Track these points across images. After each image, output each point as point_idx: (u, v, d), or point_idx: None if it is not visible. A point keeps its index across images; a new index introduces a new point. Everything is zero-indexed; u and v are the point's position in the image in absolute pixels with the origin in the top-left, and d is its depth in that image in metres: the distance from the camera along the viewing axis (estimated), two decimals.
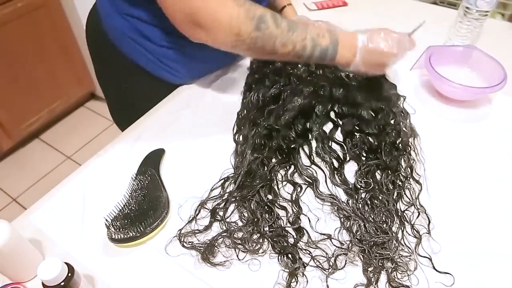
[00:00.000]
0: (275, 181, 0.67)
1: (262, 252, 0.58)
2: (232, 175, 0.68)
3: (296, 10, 0.98)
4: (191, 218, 0.63)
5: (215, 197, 0.65)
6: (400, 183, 0.66)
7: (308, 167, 0.70)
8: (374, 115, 0.77)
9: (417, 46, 0.90)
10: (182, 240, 0.60)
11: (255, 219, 0.61)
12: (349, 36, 0.70)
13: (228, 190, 0.66)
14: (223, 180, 0.68)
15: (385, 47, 0.70)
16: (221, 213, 0.63)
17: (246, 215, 0.62)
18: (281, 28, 0.63)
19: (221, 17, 0.60)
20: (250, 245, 0.59)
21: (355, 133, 0.74)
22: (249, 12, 0.61)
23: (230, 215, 0.63)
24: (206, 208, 0.64)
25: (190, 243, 0.60)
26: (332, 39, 0.68)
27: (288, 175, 0.69)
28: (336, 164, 0.70)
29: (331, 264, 0.56)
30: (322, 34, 0.67)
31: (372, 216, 0.61)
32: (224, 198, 0.65)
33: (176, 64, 0.83)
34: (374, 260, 0.56)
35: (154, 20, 0.75)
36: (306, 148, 0.73)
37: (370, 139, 0.73)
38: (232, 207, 0.64)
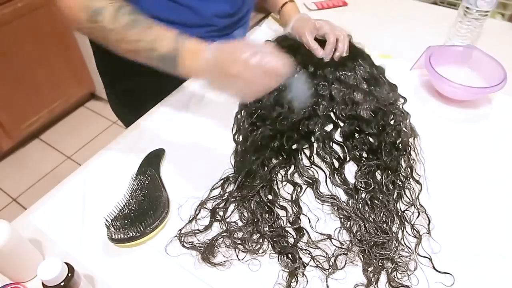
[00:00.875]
0: (275, 181, 0.67)
1: (262, 252, 0.58)
2: (232, 175, 0.68)
3: (298, 7, 0.98)
4: (191, 218, 0.63)
5: (215, 197, 0.65)
6: (400, 183, 0.66)
7: (308, 168, 0.70)
8: (373, 115, 0.77)
9: (417, 46, 0.90)
10: (182, 240, 0.60)
11: (255, 219, 0.61)
12: (197, 46, 0.59)
13: (228, 190, 0.66)
14: (223, 180, 0.68)
15: (233, 54, 0.55)
16: (221, 213, 0.63)
17: (246, 215, 0.62)
18: (117, 24, 0.61)
19: (60, 5, 0.65)
20: (250, 245, 0.59)
21: (355, 134, 0.74)
22: (86, 2, 0.62)
23: (230, 215, 0.63)
24: (206, 208, 0.64)
25: (190, 243, 0.60)
26: (175, 47, 0.59)
27: (288, 175, 0.69)
28: (336, 164, 0.70)
29: (331, 264, 0.56)
30: (164, 39, 0.60)
31: (372, 216, 0.61)
32: (224, 198, 0.65)
33: None
34: (374, 260, 0.56)
35: (153, 11, 0.72)
36: (306, 148, 0.73)
37: (370, 139, 0.73)
38: (232, 207, 0.64)
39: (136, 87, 0.89)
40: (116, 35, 0.62)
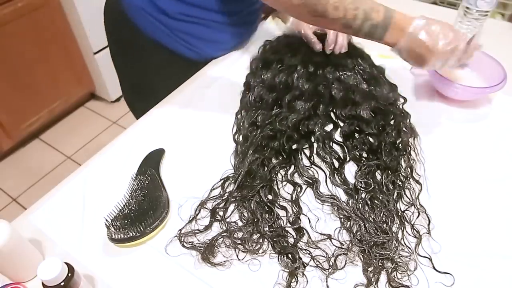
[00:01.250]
0: (275, 181, 0.67)
1: (262, 252, 0.58)
2: (232, 175, 0.68)
3: None
4: (191, 218, 0.63)
5: (215, 197, 0.65)
6: (400, 183, 0.66)
7: (308, 168, 0.70)
8: (373, 115, 0.77)
9: None
10: (182, 240, 0.60)
11: (255, 219, 0.61)
12: (404, 19, 0.66)
13: (228, 190, 0.66)
14: (223, 180, 0.68)
15: (429, 42, 0.64)
16: (221, 213, 0.63)
17: (246, 215, 0.62)
18: None
19: None
20: (250, 245, 0.59)
21: (355, 134, 0.74)
22: None
23: (230, 215, 0.63)
24: (206, 208, 0.64)
25: (190, 243, 0.60)
26: (386, 16, 0.65)
27: (288, 175, 0.69)
28: (336, 164, 0.70)
29: (331, 264, 0.56)
30: (377, 9, 0.64)
31: (372, 216, 0.61)
32: (224, 198, 0.65)
33: (191, 38, 0.85)
34: (374, 260, 0.56)
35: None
36: (306, 148, 0.73)
37: (370, 139, 0.73)
38: (232, 207, 0.64)
39: (151, 69, 0.91)
40: (335, 1, 0.63)
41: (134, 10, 0.82)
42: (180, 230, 0.61)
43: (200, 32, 0.85)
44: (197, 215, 0.63)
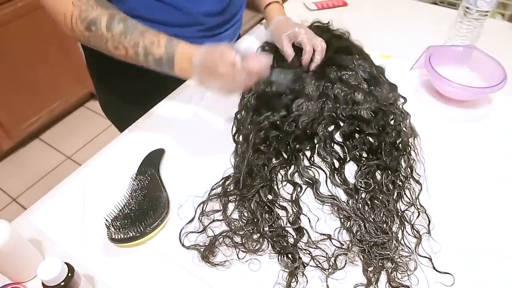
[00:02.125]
0: (275, 181, 0.67)
1: (261, 251, 0.58)
2: (233, 174, 0.68)
3: (283, 7, 0.97)
4: (191, 218, 0.63)
5: (215, 196, 0.65)
6: (400, 183, 0.66)
7: (309, 168, 0.70)
8: (373, 115, 0.76)
9: (417, 46, 0.90)
10: (182, 240, 0.60)
11: (255, 219, 0.61)
12: (188, 49, 0.65)
13: (228, 190, 0.66)
14: (223, 179, 0.67)
15: (218, 55, 0.61)
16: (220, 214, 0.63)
17: (246, 215, 0.62)
18: (113, 32, 0.65)
19: (56, 14, 0.66)
20: (250, 244, 0.59)
21: (355, 134, 0.74)
22: (82, 13, 0.65)
23: (230, 215, 0.63)
24: (205, 215, 0.64)
25: (190, 243, 0.60)
26: (169, 50, 0.65)
27: (288, 175, 0.69)
28: (336, 164, 0.70)
29: (331, 264, 0.56)
30: (158, 44, 0.65)
31: (372, 216, 0.61)
32: (224, 198, 0.65)
33: None
34: (374, 260, 0.56)
35: (141, 12, 0.74)
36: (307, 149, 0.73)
37: (370, 139, 0.73)
38: (232, 206, 0.64)
39: (130, 91, 0.89)
40: (113, 43, 0.66)
41: None
42: (181, 230, 0.61)
43: None
44: (197, 214, 0.63)
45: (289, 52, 0.86)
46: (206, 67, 0.62)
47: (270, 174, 0.67)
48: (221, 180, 0.68)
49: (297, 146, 0.72)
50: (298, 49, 0.86)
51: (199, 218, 0.63)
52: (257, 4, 1.00)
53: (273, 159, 0.70)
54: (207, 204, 0.65)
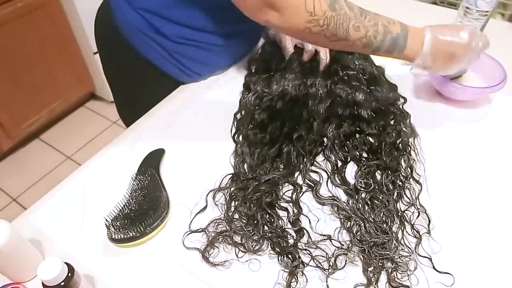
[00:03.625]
0: (280, 186, 0.67)
1: (261, 251, 0.58)
2: (237, 176, 0.68)
3: None
4: (191, 218, 0.63)
5: (223, 188, 0.65)
6: (400, 183, 0.66)
7: (314, 172, 0.69)
8: (374, 115, 0.76)
9: None
10: (182, 240, 0.60)
11: (255, 220, 0.61)
12: (417, 28, 0.67)
13: (229, 191, 0.66)
14: (229, 179, 0.67)
15: (454, 37, 0.66)
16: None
17: (246, 215, 0.62)
18: (354, 11, 0.62)
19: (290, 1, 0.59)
20: (249, 244, 0.59)
21: (356, 134, 0.74)
22: None
23: (230, 214, 0.63)
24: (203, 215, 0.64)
25: (191, 243, 0.60)
26: (403, 27, 0.65)
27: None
28: (339, 164, 0.70)
29: (331, 264, 0.56)
30: (393, 22, 0.65)
31: (372, 216, 0.61)
32: (226, 198, 0.65)
33: (188, 61, 0.83)
34: (374, 260, 0.56)
35: (169, 14, 0.75)
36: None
37: (371, 139, 0.73)
38: (232, 207, 0.64)
39: (142, 88, 0.90)
40: (355, 22, 0.62)
41: (129, 29, 0.79)
42: (181, 230, 0.61)
43: (198, 55, 0.83)
44: (197, 214, 0.63)
45: (289, 48, 0.85)
46: (438, 50, 0.66)
47: (279, 180, 0.67)
48: (227, 181, 0.67)
49: (309, 149, 0.71)
50: (299, 48, 0.86)
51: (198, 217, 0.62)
52: None
53: (282, 168, 0.69)
54: (215, 192, 0.65)
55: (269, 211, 0.62)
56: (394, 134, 0.73)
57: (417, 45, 0.66)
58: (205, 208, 0.64)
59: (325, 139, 0.74)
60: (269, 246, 0.59)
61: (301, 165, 0.70)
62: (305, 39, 0.68)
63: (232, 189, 0.66)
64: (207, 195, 0.66)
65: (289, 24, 0.61)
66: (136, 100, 0.92)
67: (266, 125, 0.74)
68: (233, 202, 0.64)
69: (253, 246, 0.59)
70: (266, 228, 0.60)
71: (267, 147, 0.71)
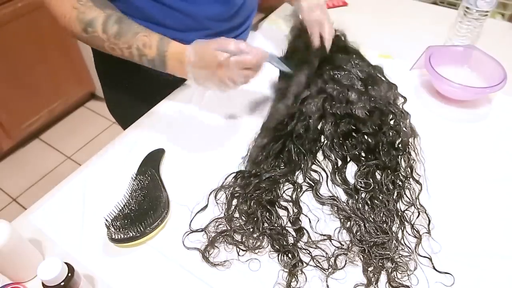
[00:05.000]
0: (281, 184, 0.67)
1: (261, 249, 0.59)
2: (241, 173, 0.68)
3: None
4: (191, 218, 0.63)
5: (224, 188, 0.65)
6: (400, 183, 0.66)
7: (314, 171, 0.69)
8: (369, 114, 0.76)
9: (417, 46, 0.90)
10: (182, 240, 0.60)
11: (255, 218, 0.61)
12: (178, 48, 0.66)
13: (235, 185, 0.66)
14: (233, 178, 0.68)
15: (209, 55, 0.63)
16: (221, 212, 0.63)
17: (246, 213, 0.62)
18: (108, 34, 0.67)
19: (56, 15, 0.69)
20: (249, 242, 0.59)
21: (353, 133, 0.74)
22: (79, 15, 0.67)
23: (231, 213, 0.63)
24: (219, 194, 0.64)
25: (191, 243, 0.60)
26: (160, 51, 0.66)
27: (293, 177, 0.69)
28: (339, 163, 0.70)
29: (331, 264, 0.56)
30: (149, 45, 0.67)
31: (372, 216, 0.61)
32: (227, 197, 0.65)
33: None
34: (374, 260, 0.56)
35: (147, 16, 0.75)
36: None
37: (368, 139, 0.73)
38: (232, 205, 0.64)
39: (136, 88, 0.89)
40: (109, 44, 0.68)
41: None
42: (182, 230, 0.61)
43: None
44: (197, 214, 0.63)
45: (316, 43, 0.84)
46: (198, 64, 0.64)
47: (280, 178, 0.67)
48: (230, 180, 0.68)
49: (308, 147, 0.72)
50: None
51: (199, 217, 0.63)
52: None
53: (283, 166, 0.69)
54: (217, 191, 0.66)
55: (269, 208, 0.62)
56: (391, 134, 0.73)
57: (179, 67, 0.67)
58: (206, 206, 0.64)
59: (322, 138, 0.74)
60: (269, 243, 0.59)
61: (302, 164, 0.70)
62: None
63: (234, 187, 0.66)
64: (209, 194, 0.66)
65: (66, 33, 0.70)
66: (129, 100, 0.92)
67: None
68: (234, 200, 0.64)
69: (253, 244, 0.59)
70: (265, 225, 0.60)
71: (273, 143, 0.71)
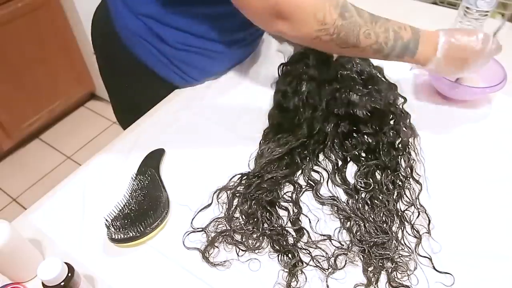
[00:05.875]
0: (281, 185, 0.67)
1: (261, 249, 0.59)
2: (246, 175, 0.68)
3: None
4: (192, 218, 0.63)
5: (227, 188, 0.65)
6: (400, 183, 0.66)
7: (315, 171, 0.69)
8: (370, 114, 0.76)
9: None
10: (182, 240, 0.60)
11: (255, 219, 0.61)
12: (430, 32, 0.67)
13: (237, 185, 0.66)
14: (238, 179, 0.67)
15: (468, 42, 0.66)
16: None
17: (247, 213, 0.62)
18: (364, 17, 0.62)
19: (305, 5, 0.59)
20: (249, 242, 0.59)
21: (353, 133, 0.74)
22: (332, 0, 0.60)
23: (230, 213, 0.63)
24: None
25: (191, 243, 0.60)
26: (414, 32, 0.65)
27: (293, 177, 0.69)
28: (340, 163, 0.70)
29: (331, 264, 0.56)
30: (404, 27, 0.64)
31: (372, 216, 0.61)
32: (228, 197, 0.65)
33: (187, 67, 0.83)
34: (374, 260, 0.56)
35: (169, 20, 0.75)
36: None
37: (368, 139, 0.73)
38: (233, 205, 0.64)
39: (139, 92, 0.89)
40: (366, 29, 0.62)
41: (128, 33, 0.79)
42: (187, 232, 0.61)
43: (199, 61, 0.83)
44: (197, 213, 0.63)
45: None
46: (451, 52, 0.65)
47: (281, 179, 0.67)
48: (239, 177, 0.68)
49: (311, 149, 0.72)
50: None
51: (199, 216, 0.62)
52: None
53: (284, 167, 0.69)
54: (221, 191, 0.66)
55: (269, 209, 0.62)
56: (391, 134, 0.73)
57: (429, 50, 0.66)
58: (209, 205, 0.64)
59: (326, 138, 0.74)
60: (269, 244, 0.59)
61: (304, 165, 0.70)
62: (315, 47, 0.67)
63: (236, 187, 0.66)
64: (213, 193, 0.66)
65: (299, 33, 0.61)
66: (132, 104, 0.92)
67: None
68: (236, 200, 0.64)
69: (253, 244, 0.59)
70: (265, 225, 0.60)
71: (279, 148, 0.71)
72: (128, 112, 0.91)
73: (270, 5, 0.59)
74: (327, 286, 0.54)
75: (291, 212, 0.63)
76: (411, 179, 0.67)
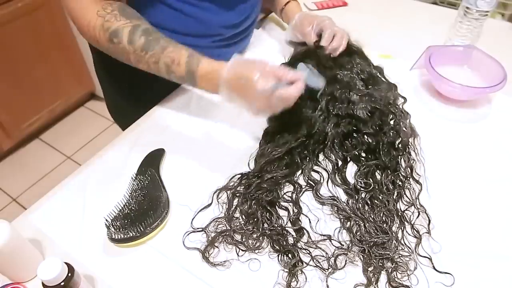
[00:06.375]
0: (281, 185, 0.67)
1: (261, 249, 0.59)
2: (246, 175, 0.68)
3: (300, 6, 0.98)
4: (192, 218, 0.63)
5: (227, 188, 0.65)
6: (400, 183, 0.66)
7: (315, 171, 0.69)
8: (370, 114, 0.76)
9: (417, 46, 0.90)
10: (182, 240, 0.60)
11: (255, 219, 0.61)
12: (210, 69, 0.63)
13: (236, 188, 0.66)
14: (238, 179, 0.67)
15: (248, 80, 0.59)
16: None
17: (247, 213, 0.62)
18: (134, 46, 0.64)
19: (81, 23, 0.65)
20: (249, 242, 0.59)
21: (353, 133, 0.74)
22: (105, 24, 0.64)
23: (230, 213, 0.63)
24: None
25: (191, 243, 0.60)
26: (188, 70, 0.63)
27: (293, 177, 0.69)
28: (339, 163, 0.70)
29: (331, 264, 0.56)
30: (177, 62, 0.63)
31: (372, 216, 0.61)
32: (229, 197, 0.65)
33: None
34: (374, 260, 0.56)
35: (161, 22, 0.75)
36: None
37: (368, 139, 0.73)
38: (233, 205, 0.64)
39: (136, 91, 0.89)
40: (134, 56, 0.65)
41: None
42: (187, 232, 0.61)
43: None
44: (197, 213, 0.63)
45: (312, 37, 0.84)
46: (234, 92, 0.61)
47: (281, 179, 0.67)
48: (239, 177, 0.68)
49: (312, 149, 0.72)
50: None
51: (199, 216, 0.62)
52: (273, 4, 1.00)
53: (285, 168, 0.69)
54: (221, 191, 0.66)
55: (269, 209, 0.62)
56: (391, 134, 0.73)
57: (210, 86, 0.64)
58: (209, 205, 0.64)
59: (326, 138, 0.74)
60: (269, 244, 0.59)
61: (304, 165, 0.70)
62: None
63: (237, 187, 0.66)
64: (213, 193, 0.66)
65: (86, 39, 0.69)
66: (128, 103, 0.91)
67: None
68: (236, 200, 0.64)
69: (253, 244, 0.59)
70: (265, 225, 0.61)
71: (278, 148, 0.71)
72: (127, 112, 0.91)
73: (67, 13, 0.67)
74: (327, 286, 0.54)
75: (291, 212, 0.63)
76: (411, 179, 0.67)
